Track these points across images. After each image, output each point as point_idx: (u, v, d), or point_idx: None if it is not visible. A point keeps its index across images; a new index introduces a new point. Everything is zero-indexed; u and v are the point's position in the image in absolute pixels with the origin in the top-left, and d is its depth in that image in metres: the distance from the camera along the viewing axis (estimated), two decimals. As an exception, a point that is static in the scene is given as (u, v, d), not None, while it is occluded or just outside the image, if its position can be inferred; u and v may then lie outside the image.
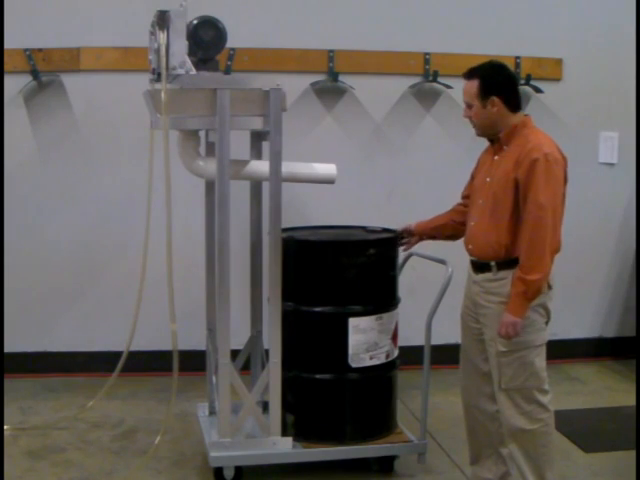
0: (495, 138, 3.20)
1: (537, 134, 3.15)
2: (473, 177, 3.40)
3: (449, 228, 3.54)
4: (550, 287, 3.11)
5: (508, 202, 3.07)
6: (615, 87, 5.17)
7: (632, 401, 4.29)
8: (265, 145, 3.57)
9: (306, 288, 3.61)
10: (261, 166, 3.55)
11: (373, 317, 3.55)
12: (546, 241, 2.97)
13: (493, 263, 3.12)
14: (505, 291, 3.07)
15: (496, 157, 3.20)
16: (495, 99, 3.11)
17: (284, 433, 3.52)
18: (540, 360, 3.12)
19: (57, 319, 4.90)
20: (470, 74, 3.17)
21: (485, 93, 3.12)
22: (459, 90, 4.94)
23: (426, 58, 4.93)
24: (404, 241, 3.69)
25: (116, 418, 4.27)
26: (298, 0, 4.87)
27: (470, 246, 3.25)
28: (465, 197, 3.47)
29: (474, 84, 3.13)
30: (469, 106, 3.17)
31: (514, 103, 3.16)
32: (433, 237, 3.64)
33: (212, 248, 3.72)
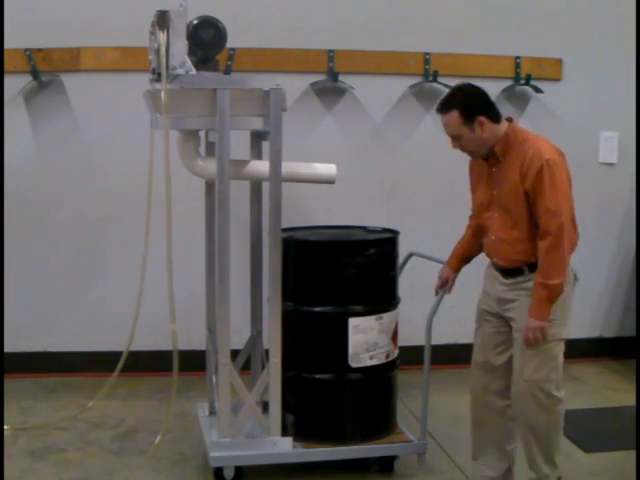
0: (489, 153, 3.18)
1: (532, 141, 3.13)
2: (473, 191, 3.37)
3: (478, 250, 3.45)
4: (577, 279, 3.22)
5: (523, 213, 3.10)
6: (615, 87, 5.17)
7: (632, 401, 4.29)
8: (265, 145, 3.57)
9: (306, 288, 3.61)
10: (261, 166, 3.55)
11: (373, 317, 3.56)
12: (563, 245, 3.02)
13: (525, 267, 3.15)
14: (531, 285, 3.11)
15: (494, 169, 3.20)
16: (481, 118, 3.11)
17: (284, 433, 3.52)
18: (562, 354, 3.18)
19: (57, 319, 4.90)
20: (445, 107, 3.14)
21: (469, 118, 3.10)
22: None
23: (426, 58, 4.93)
24: (448, 287, 3.49)
25: (116, 418, 4.27)
26: (298, 0, 4.87)
27: (495, 259, 3.25)
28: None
29: (454, 115, 3.11)
30: (456, 138, 3.15)
31: (495, 114, 3.16)
32: (467, 263, 3.53)
33: (212, 248, 3.72)
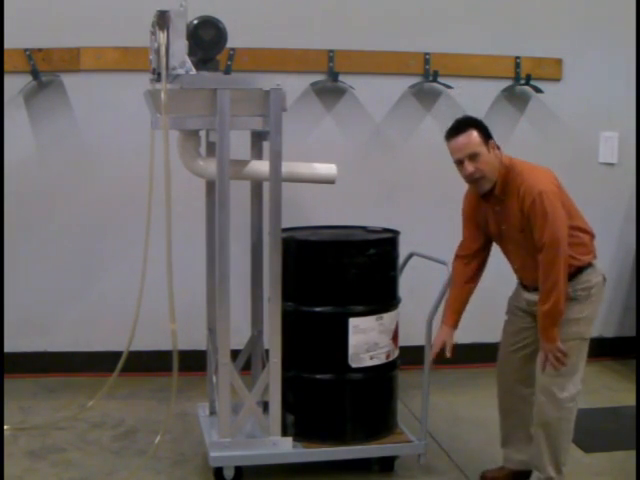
0: (489, 192, 3.25)
1: (523, 175, 3.20)
2: (475, 224, 3.42)
3: (472, 293, 3.50)
4: (605, 279, 3.33)
5: (534, 245, 3.18)
6: (615, 87, 5.17)
7: (632, 401, 4.29)
8: (265, 145, 3.57)
9: (306, 288, 3.61)
10: (261, 166, 3.55)
11: (373, 317, 3.55)
12: (556, 272, 3.10)
13: None
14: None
15: (497, 208, 3.28)
16: (492, 142, 3.23)
17: (284, 433, 3.52)
18: (584, 353, 3.28)
19: (57, 319, 4.90)
20: (461, 127, 3.22)
21: (485, 137, 3.21)
22: (459, 90, 4.99)
23: (426, 58, 4.93)
24: (448, 349, 3.45)
25: (116, 418, 4.27)
26: (298, 0, 4.87)
27: (525, 282, 3.36)
28: (466, 256, 3.46)
29: (473, 133, 3.19)
30: (473, 157, 3.18)
31: (496, 144, 3.28)
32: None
33: (212, 248, 3.72)
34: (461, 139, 3.19)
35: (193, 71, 3.28)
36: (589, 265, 3.25)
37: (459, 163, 3.22)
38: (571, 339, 3.21)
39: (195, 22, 3.36)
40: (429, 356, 3.49)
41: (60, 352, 4.88)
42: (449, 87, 4.93)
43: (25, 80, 4.60)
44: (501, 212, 3.26)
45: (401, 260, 3.75)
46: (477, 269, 3.46)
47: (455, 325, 3.46)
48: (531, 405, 3.40)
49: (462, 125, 3.23)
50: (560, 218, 3.11)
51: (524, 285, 3.38)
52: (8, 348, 4.34)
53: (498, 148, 3.25)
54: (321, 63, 4.86)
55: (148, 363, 4.72)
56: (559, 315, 3.14)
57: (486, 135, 3.22)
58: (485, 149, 3.18)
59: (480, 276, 3.48)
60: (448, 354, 3.44)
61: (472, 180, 3.24)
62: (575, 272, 3.21)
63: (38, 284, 4.85)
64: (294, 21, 4.83)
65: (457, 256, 3.49)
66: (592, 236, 3.31)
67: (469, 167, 3.18)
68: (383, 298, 3.64)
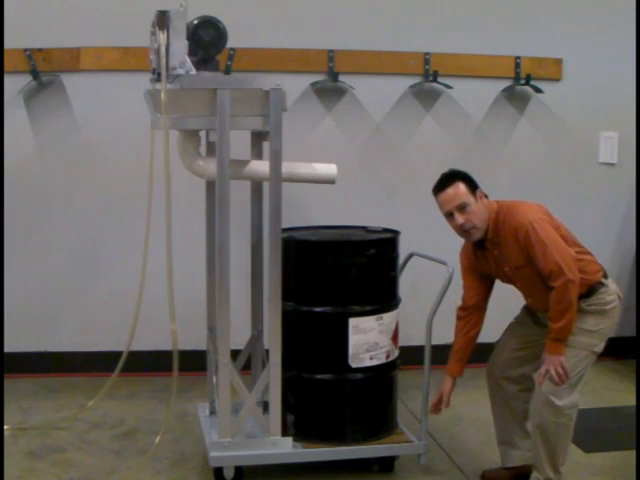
0: (484, 238, 3.29)
1: (511, 214, 3.25)
2: (477, 275, 3.45)
3: (475, 343, 3.52)
4: (620, 298, 3.41)
5: (540, 276, 3.21)
6: (615, 87, 5.17)
7: (632, 401, 4.30)
8: (265, 145, 3.57)
9: (306, 288, 3.61)
10: (261, 166, 3.55)
11: (373, 317, 3.55)
12: (569, 295, 3.13)
13: None
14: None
15: (495, 252, 3.31)
16: (479, 192, 3.28)
17: (284, 433, 3.52)
18: (588, 366, 3.29)
19: (57, 319, 4.90)
20: (447, 181, 3.29)
21: (472, 188, 3.27)
22: (459, 90, 4.99)
23: (426, 58, 4.93)
24: (445, 401, 3.51)
25: (116, 418, 4.27)
26: (298, 0, 4.87)
27: (542, 311, 3.36)
28: (468, 308, 3.48)
29: (460, 185, 3.26)
30: (462, 208, 3.24)
31: (484, 193, 3.33)
32: None
33: (212, 248, 3.72)
34: (449, 191, 3.26)
35: (193, 71, 3.28)
36: (600, 284, 3.29)
37: (449, 215, 3.28)
38: (580, 349, 3.23)
39: (195, 22, 3.36)
40: (429, 356, 3.50)
41: (60, 352, 4.89)
42: (449, 87, 4.93)
43: (25, 80, 4.60)
44: (500, 254, 3.30)
45: (401, 260, 3.75)
46: (479, 320, 3.48)
47: (459, 373, 3.50)
48: (523, 400, 3.46)
49: (449, 178, 3.29)
50: (557, 241, 3.16)
51: (538, 309, 3.42)
52: (8, 348, 4.33)
53: (486, 196, 3.31)
54: (321, 63, 4.86)
55: (148, 363, 4.72)
56: (568, 332, 3.18)
57: (472, 186, 3.27)
58: (473, 199, 3.25)
59: (482, 324, 3.49)
60: (444, 406, 3.49)
61: (463, 231, 3.28)
62: (587, 292, 3.25)
63: (38, 284, 4.86)
64: (294, 21, 4.83)
65: (460, 308, 3.51)
66: (592, 255, 3.35)
67: (459, 218, 3.24)
68: (383, 298, 3.64)
